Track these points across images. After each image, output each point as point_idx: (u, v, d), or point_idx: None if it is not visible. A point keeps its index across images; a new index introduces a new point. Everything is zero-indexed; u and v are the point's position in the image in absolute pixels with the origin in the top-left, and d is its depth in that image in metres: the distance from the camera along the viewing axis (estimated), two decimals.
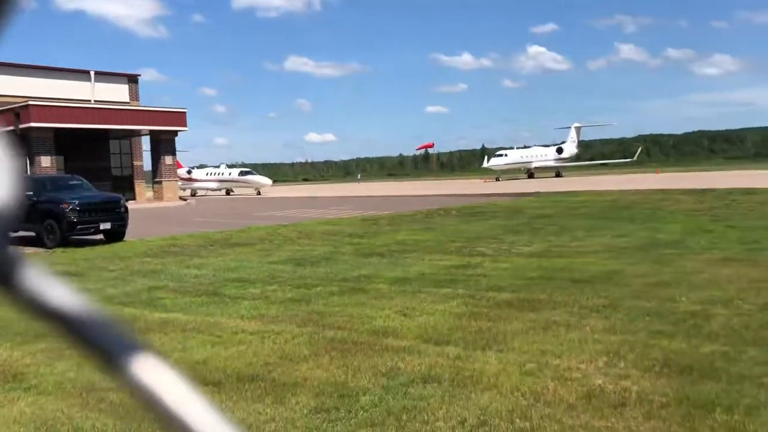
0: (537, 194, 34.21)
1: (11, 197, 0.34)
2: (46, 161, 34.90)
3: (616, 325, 6.60)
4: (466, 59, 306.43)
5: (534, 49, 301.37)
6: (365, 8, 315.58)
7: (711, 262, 10.34)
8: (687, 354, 5.57)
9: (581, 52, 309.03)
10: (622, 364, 5.37)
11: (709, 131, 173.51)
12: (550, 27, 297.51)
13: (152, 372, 0.32)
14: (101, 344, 0.34)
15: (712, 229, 14.92)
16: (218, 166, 60.52)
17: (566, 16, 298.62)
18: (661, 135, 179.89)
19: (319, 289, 9.40)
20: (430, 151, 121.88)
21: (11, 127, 33.95)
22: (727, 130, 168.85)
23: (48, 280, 0.34)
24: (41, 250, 16.30)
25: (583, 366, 5.37)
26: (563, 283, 8.97)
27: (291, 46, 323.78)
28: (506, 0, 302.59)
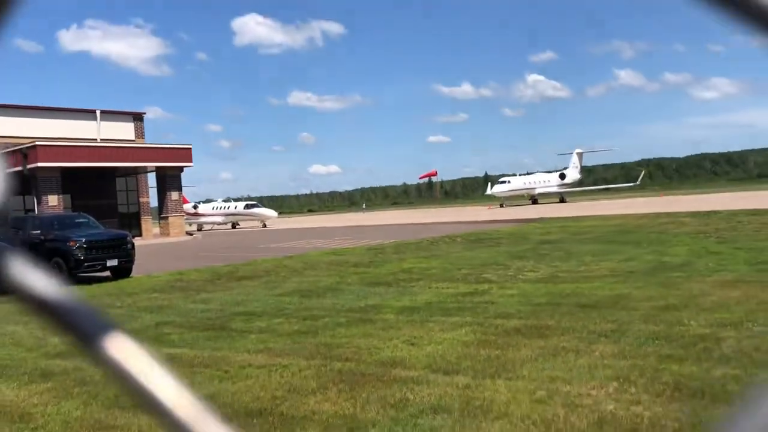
0: (542, 220, 34.19)
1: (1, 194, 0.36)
2: (53, 200, 35.10)
3: (626, 350, 6.55)
4: (466, 89, 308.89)
5: (533, 77, 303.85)
6: (365, 43, 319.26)
7: (719, 284, 10.27)
8: (698, 378, 5.52)
9: (580, 79, 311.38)
10: (633, 390, 5.32)
11: (711, 153, 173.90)
12: (548, 55, 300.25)
13: (123, 350, 0.36)
14: (78, 327, 0.38)
15: (718, 251, 14.85)
16: (227, 200, 60.84)
17: (564, 45, 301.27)
18: (664, 158, 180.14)
19: (325, 320, 9.37)
20: (434, 179, 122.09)
21: (19, 168, 34.23)
22: (728, 152, 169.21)
23: (32, 270, 0.38)
24: None
25: (593, 392, 5.32)
26: (571, 309, 8.92)
27: (293, 81, 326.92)
28: (504, 30, 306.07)
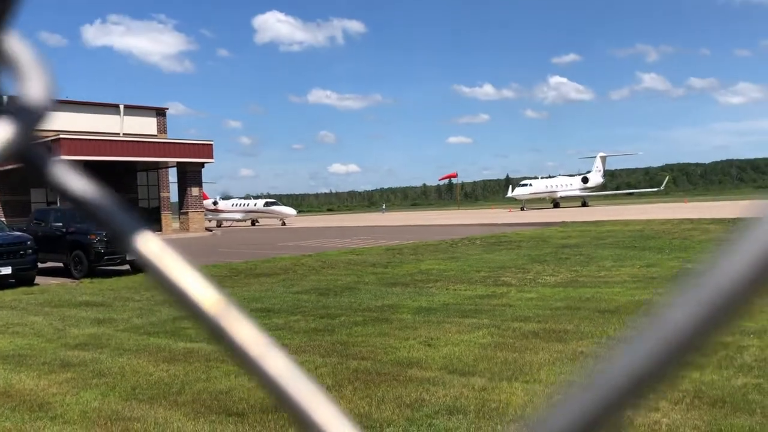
0: (563, 224, 33.93)
1: (45, 97, 0.42)
2: None
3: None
4: (487, 90, 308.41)
5: (555, 79, 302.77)
6: (387, 42, 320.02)
7: None
8: (719, 386, 5.43)
9: (603, 82, 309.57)
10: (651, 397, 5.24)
11: (738, 160, 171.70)
12: (571, 57, 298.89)
13: (150, 244, 0.41)
14: (110, 221, 0.43)
15: None
16: (247, 197, 61.15)
17: (587, 47, 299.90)
18: (688, 164, 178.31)
19: (342, 319, 9.37)
20: (454, 180, 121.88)
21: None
22: (755, 159, 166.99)
23: (70, 172, 0.44)
24: (68, 280, 16.50)
25: None
26: (590, 314, 8.83)
27: (314, 79, 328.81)
28: (526, 31, 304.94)
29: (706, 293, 0.28)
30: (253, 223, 57.04)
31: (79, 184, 0.43)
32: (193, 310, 0.39)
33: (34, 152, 0.43)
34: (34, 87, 0.42)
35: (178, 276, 0.40)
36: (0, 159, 0.41)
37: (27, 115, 0.41)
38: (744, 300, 0.28)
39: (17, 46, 0.42)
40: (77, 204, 0.43)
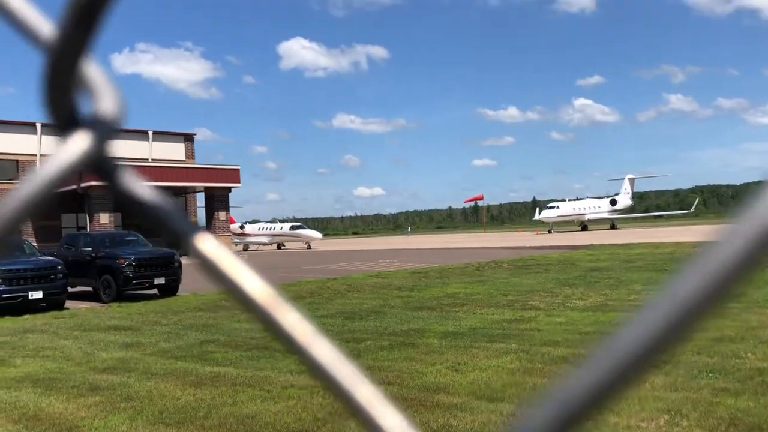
0: (591, 246, 33.55)
1: (116, 113, 0.47)
2: (104, 218, 36.06)
3: (678, 382, 6.31)
4: (512, 113, 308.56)
5: (580, 101, 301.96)
6: (410, 66, 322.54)
7: None
8: (755, 413, 5.26)
9: (629, 103, 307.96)
10: (685, 423, 5.10)
11: None
12: (595, 79, 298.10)
13: (211, 247, 0.46)
14: (171, 223, 0.48)
15: None
16: (273, 221, 61.55)
17: (611, 68, 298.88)
18: (719, 185, 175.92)
19: (368, 343, 9.31)
20: (480, 203, 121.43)
21: (73, 186, 35.32)
22: None
23: (137, 179, 0.49)
24: (97, 304, 16.68)
25: (643, 424, 5.13)
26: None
27: (338, 104, 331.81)
28: (550, 54, 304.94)
29: (664, 307, 0.32)
30: (279, 247, 57.29)
31: (145, 191, 0.49)
32: (246, 302, 0.44)
33: (106, 162, 0.48)
34: (106, 104, 0.48)
35: (233, 271, 0.45)
36: (78, 168, 0.46)
37: (101, 129, 0.47)
38: (700, 312, 0.31)
39: (92, 69, 0.47)
40: (144, 209, 0.48)
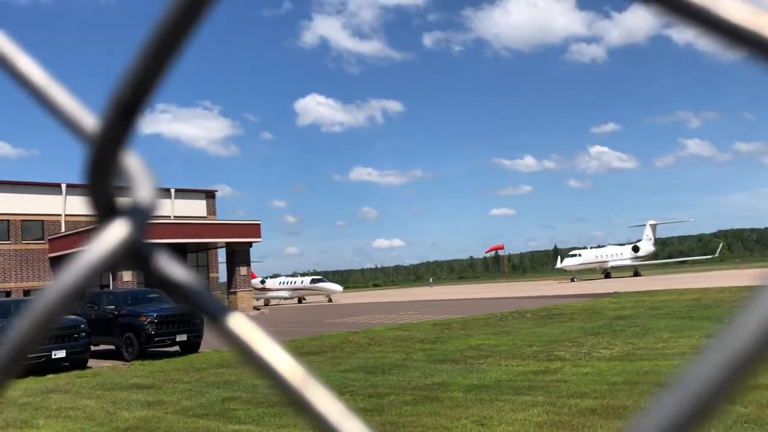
0: (615, 294, 33.09)
1: (153, 200, 0.49)
2: (127, 276, 36.31)
3: None
4: (528, 162, 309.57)
5: (596, 149, 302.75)
6: (425, 119, 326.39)
7: None
8: None
9: (646, 150, 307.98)
10: None
11: None
12: (610, 127, 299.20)
13: (243, 327, 0.46)
14: (206, 306, 0.48)
15: None
16: (294, 275, 61.58)
17: (625, 116, 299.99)
18: (743, 229, 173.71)
19: (391, 398, 9.18)
20: (500, 252, 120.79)
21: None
22: None
23: (171, 262, 0.50)
24: (120, 363, 16.67)
25: None
26: (649, 388, 8.46)
27: (355, 158, 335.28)
28: (563, 103, 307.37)
29: (724, 352, 0.31)
30: (299, 301, 57.19)
31: (180, 274, 0.50)
32: (278, 381, 0.44)
33: (144, 248, 0.49)
34: (143, 192, 0.49)
35: (264, 350, 0.45)
36: (117, 255, 0.47)
37: (139, 217, 0.48)
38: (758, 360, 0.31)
39: (131, 159, 0.49)
40: (178, 291, 0.49)
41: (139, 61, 0.41)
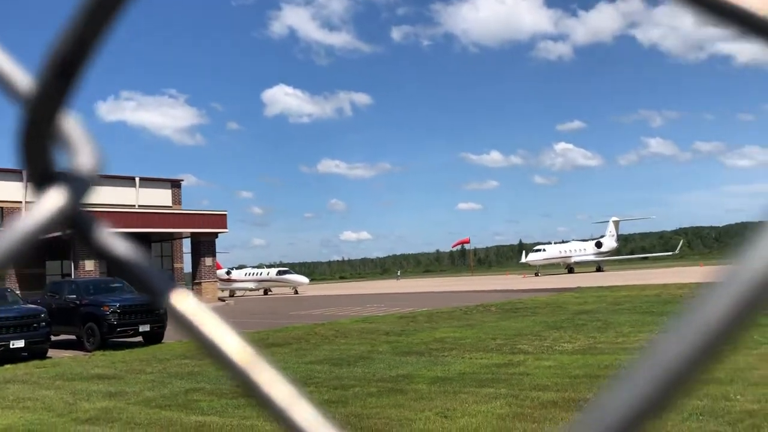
0: (578, 289, 33.57)
1: (93, 168, 0.47)
2: (89, 265, 35.70)
3: (668, 426, 6.25)
4: (495, 157, 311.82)
5: (561, 145, 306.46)
6: (394, 112, 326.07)
7: (766, 357, 9.86)
8: None
9: (610, 148, 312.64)
10: None
11: (753, 222, 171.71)
12: (576, 124, 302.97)
13: (184, 301, 0.45)
14: (147, 280, 0.47)
15: (766, 323, 14.33)
16: (260, 266, 61.16)
17: (590, 113, 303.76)
18: (702, 227, 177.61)
19: (356, 390, 9.18)
20: (467, 246, 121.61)
21: (60, 233, 35.13)
22: None
23: (113, 236, 0.48)
24: (81, 353, 16.39)
25: None
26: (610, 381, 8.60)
27: (323, 150, 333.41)
28: (530, 99, 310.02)
29: (695, 327, 0.31)
30: (265, 292, 56.88)
31: (122, 248, 0.48)
32: (224, 362, 0.43)
33: (82, 218, 0.48)
34: (83, 159, 0.47)
35: (211, 330, 0.44)
36: (52, 223, 0.45)
37: (77, 185, 0.47)
38: (728, 334, 0.30)
39: (69, 122, 0.47)
40: (120, 266, 0.48)
41: (80, 16, 0.39)
